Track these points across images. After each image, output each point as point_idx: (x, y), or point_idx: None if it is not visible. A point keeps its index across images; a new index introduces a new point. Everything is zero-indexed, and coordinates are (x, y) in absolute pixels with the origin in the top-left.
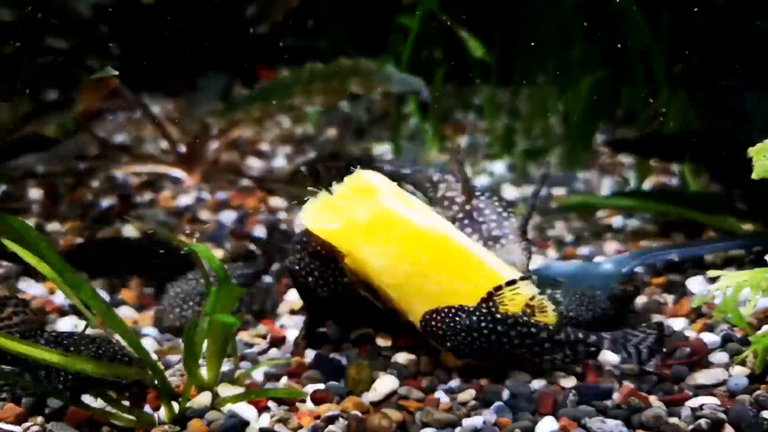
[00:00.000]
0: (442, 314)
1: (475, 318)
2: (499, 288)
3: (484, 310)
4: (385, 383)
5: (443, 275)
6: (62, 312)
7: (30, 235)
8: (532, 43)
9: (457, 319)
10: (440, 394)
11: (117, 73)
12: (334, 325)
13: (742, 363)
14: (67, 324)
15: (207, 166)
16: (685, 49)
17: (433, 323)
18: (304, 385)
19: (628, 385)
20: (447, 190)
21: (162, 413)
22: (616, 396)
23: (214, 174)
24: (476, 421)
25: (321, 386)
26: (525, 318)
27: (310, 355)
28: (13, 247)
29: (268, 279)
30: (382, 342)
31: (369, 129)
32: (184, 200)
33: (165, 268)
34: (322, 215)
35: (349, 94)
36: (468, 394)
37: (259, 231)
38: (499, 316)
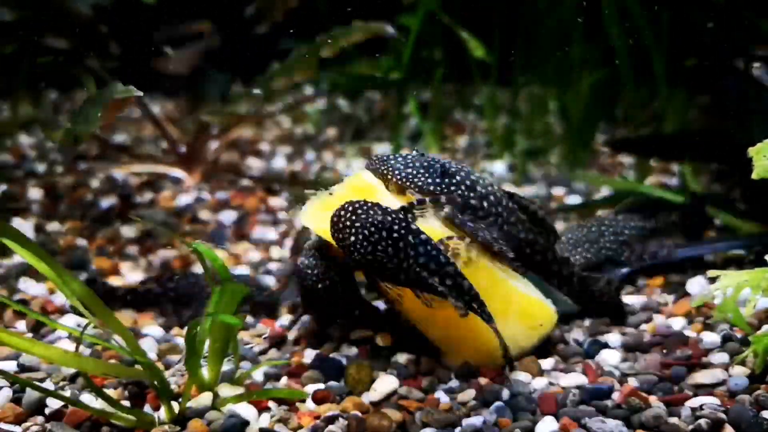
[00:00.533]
0: (356, 206)
1: (390, 218)
2: (421, 202)
3: (401, 215)
4: (385, 383)
5: None
6: (62, 312)
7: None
8: (532, 43)
9: (371, 213)
10: (440, 394)
11: (141, 93)
12: (340, 325)
13: (742, 363)
14: (68, 322)
15: (207, 166)
16: (685, 49)
17: (343, 214)
18: (304, 385)
19: (628, 385)
20: None
21: (162, 413)
22: (616, 396)
23: (214, 174)
24: (476, 421)
25: (321, 386)
26: (443, 244)
27: (310, 355)
28: (13, 246)
29: None
30: (382, 342)
31: (369, 129)
32: (184, 200)
33: None
34: (323, 215)
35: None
36: (468, 394)
37: (259, 232)
38: (414, 227)
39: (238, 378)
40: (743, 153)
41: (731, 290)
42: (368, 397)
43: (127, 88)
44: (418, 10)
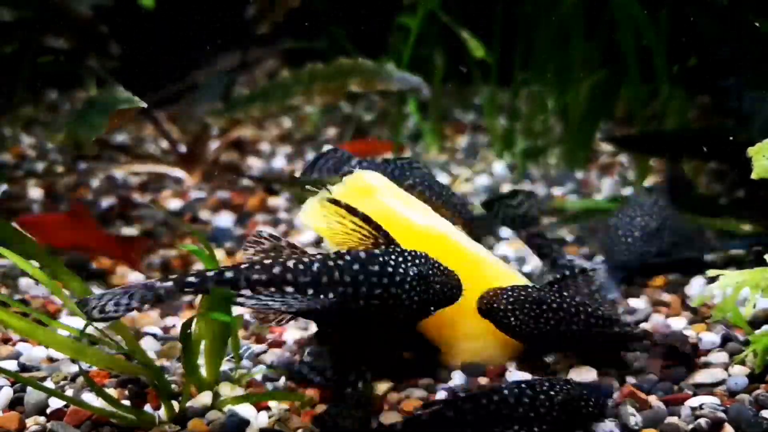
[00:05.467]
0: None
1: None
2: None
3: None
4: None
5: None
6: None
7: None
8: (532, 43)
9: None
10: (440, 395)
11: (145, 105)
12: None
13: (742, 362)
14: (70, 322)
15: (207, 166)
16: (685, 48)
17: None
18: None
19: (628, 385)
20: None
21: (162, 412)
22: (616, 396)
23: (214, 174)
24: None
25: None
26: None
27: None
28: (6, 253)
29: None
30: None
31: (369, 128)
32: (182, 201)
33: None
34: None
35: (348, 93)
36: None
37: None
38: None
39: (238, 378)
40: (743, 153)
41: (731, 290)
42: None
43: (132, 98)
44: (418, 10)
